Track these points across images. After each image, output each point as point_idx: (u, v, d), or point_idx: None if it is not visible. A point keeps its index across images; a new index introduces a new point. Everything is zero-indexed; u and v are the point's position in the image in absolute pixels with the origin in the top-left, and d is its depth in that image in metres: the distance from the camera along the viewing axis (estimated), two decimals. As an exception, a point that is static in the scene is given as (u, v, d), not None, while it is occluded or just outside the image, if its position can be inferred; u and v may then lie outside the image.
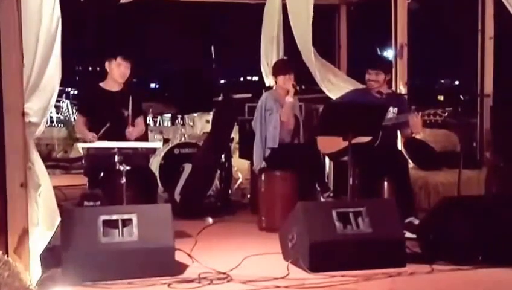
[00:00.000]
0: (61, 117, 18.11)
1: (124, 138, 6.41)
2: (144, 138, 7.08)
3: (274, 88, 7.54)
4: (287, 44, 9.03)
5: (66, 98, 18.99)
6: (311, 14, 7.80)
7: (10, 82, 4.36)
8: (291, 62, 7.85)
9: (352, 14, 9.87)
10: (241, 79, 29.80)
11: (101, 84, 6.81)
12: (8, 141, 4.36)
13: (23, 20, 4.41)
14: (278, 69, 7.38)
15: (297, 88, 7.15)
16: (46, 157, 11.76)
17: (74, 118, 17.86)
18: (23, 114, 4.43)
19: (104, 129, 6.38)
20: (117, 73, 6.70)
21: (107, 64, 6.75)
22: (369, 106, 6.50)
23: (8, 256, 4.26)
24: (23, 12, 4.41)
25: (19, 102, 4.41)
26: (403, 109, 6.88)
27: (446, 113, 6.31)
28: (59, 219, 4.80)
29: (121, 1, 9.16)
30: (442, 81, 25.40)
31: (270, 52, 9.05)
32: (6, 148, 4.36)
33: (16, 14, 4.34)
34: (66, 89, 19.91)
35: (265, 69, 9.07)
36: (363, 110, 6.22)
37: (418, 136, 7.22)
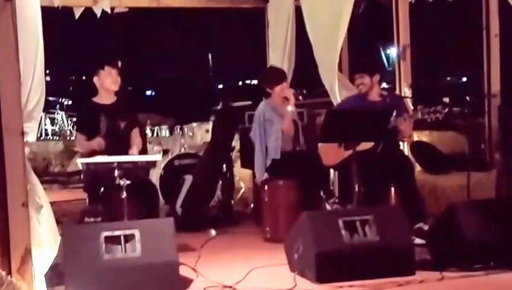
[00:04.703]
0: (56, 129, 18.00)
1: (123, 152, 6.30)
2: (142, 150, 6.98)
3: (270, 98, 7.36)
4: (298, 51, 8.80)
5: (61, 109, 18.75)
6: (345, 24, 7.57)
7: (8, 101, 4.33)
8: (281, 69, 7.81)
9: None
10: (240, 83, 29.78)
11: (94, 99, 6.73)
12: (8, 160, 4.33)
13: (22, 36, 4.39)
14: (274, 80, 7.27)
15: (299, 97, 7.07)
16: (43, 172, 11.68)
17: (70, 130, 17.79)
18: (23, 133, 4.38)
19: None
20: (110, 81, 6.61)
21: (95, 78, 6.66)
22: (373, 111, 6.43)
23: (11, 276, 4.22)
24: (22, 30, 4.39)
25: (18, 121, 4.38)
26: (400, 113, 6.78)
27: (446, 110, 6.24)
28: (59, 238, 4.75)
29: (116, 10, 9.12)
30: (449, 78, 25.28)
31: (279, 59, 8.74)
32: (7, 167, 4.32)
33: (13, 33, 4.31)
34: (60, 100, 19.66)
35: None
36: (366, 116, 6.15)
37: (407, 140, 7.09)
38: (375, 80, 6.91)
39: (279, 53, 8.82)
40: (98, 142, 6.37)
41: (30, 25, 4.59)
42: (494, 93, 8.04)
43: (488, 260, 5.17)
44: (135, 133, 6.78)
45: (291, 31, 8.74)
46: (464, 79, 23.56)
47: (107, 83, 6.61)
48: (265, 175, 7.05)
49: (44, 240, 4.55)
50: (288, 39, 8.75)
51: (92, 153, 6.23)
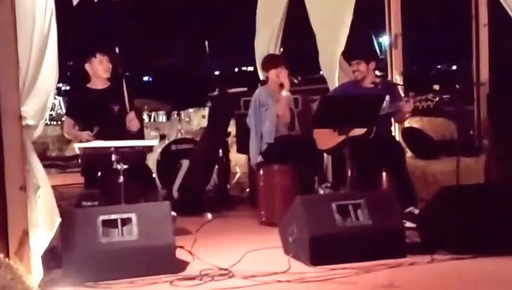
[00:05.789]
0: (54, 114, 17.95)
1: (119, 135, 6.36)
2: (140, 135, 7.04)
3: (266, 84, 7.45)
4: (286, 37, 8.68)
5: (58, 95, 18.71)
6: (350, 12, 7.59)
7: (6, 86, 4.36)
8: (280, 56, 7.86)
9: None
10: (236, 70, 29.60)
11: (88, 85, 6.78)
12: (6, 144, 4.36)
13: (17, 22, 4.38)
14: (269, 63, 7.36)
15: (294, 80, 7.12)
16: (41, 156, 11.61)
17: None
18: (20, 117, 4.42)
19: (95, 130, 6.36)
20: (101, 69, 6.65)
21: (87, 65, 6.70)
22: (366, 97, 6.49)
23: (9, 259, 4.25)
24: (17, 14, 4.39)
25: (16, 105, 4.40)
26: (395, 97, 6.84)
27: (437, 98, 6.30)
28: (59, 219, 4.80)
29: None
30: (439, 66, 25.19)
31: (267, 45, 8.57)
32: (5, 151, 4.35)
33: (11, 17, 4.33)
34: (58, 85, 19.58)
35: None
36: (360, 102, 6.21)
37: (414, 124, 7.17)
38: (371, 67, 6.96)
39: (267, 35, 8.63)
40: (87, 137, 6.36)
41: (28, 10, 4.57)
42: (483, 81, 8.13)
43: (476, 244, 5.21)
44: (132, 114, 6.74)
45: (282, 16, 8.60)
46: (454, 67, 23.52)
47: (99, 71, 6.65)
48: (260, 158, 7.13)
49: (41, 222, 4.57)
50: (277, 24, 8.59)
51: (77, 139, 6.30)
